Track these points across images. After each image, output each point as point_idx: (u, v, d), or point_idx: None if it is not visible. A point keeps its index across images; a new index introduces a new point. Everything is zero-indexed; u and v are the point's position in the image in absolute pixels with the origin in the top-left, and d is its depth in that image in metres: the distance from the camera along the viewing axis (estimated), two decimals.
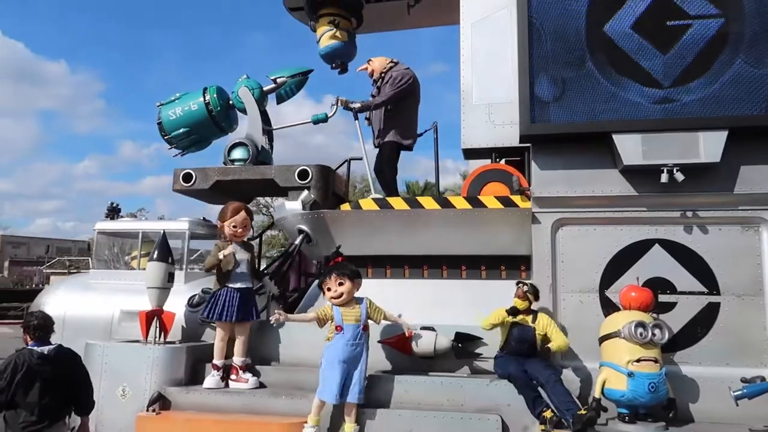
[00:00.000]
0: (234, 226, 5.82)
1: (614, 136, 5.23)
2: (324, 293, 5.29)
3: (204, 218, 7.52)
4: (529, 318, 5.21)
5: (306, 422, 4.95)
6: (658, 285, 5.36)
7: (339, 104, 7.35)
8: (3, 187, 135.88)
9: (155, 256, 6.09)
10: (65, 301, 7.00)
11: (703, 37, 5.21)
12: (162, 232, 6.32)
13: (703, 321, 5.26)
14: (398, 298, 5.95)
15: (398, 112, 7.05)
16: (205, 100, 7.44)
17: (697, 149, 5.08)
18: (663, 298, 5.35)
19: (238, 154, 7.29)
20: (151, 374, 5.67)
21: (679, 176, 5.09)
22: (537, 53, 5.51)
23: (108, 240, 7.53)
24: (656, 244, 5.43)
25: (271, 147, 7.79)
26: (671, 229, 5.41)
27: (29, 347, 4.32)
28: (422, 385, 5.22)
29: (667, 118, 5.18)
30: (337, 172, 7.53)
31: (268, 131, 7.74)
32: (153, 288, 6.07)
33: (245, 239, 6.04)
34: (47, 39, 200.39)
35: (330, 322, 5.13)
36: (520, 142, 5.70)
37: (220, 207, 6.16)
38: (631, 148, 5.21)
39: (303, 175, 6.75)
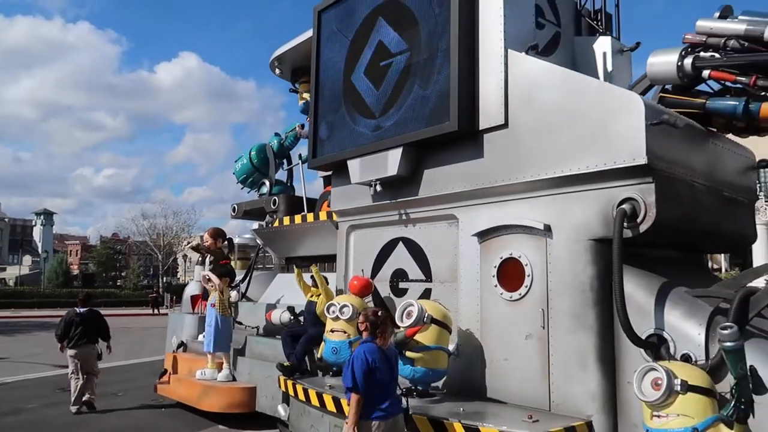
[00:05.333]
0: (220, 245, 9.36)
1: (348, 162, 6.82)
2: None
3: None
4: (318, 297, 7.23)
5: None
6: (399, 275, 6.65)
7: None
8: (203, 194, 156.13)
9: (198, 262, 10.18)
10: (196, 288, 11.75)
11: (398, 71, 6.35)
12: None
13: None
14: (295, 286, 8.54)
15: None
16: (250, 156, 11.20)
17: (386, 165, 6.29)
18: (402, 285, 6.61)
19: (263, 189, 10.83)
20: (182, 331, 9.74)
21: (378, 188, 6.40)
22: (321, 104, 7.43)
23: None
24: (400, 242, 6.68)
25: (291, 180, 11.04)
26: (408, 229, 6.59)
27: (75, 309, 8.83)
28: (262, 343, 7.82)
29: (373, 143, 6.50)
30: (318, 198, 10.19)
31: (288, 170, 11.04)
32: (196, 282, 10.18)
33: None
34: (239, 62, 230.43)
35: None
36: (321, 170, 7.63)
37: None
38: (355, 170, 6.72)
39: (274, 203, 9.84)
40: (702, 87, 5.36)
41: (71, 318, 8.71)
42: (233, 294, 9.32)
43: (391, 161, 6.25)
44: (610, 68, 6.62)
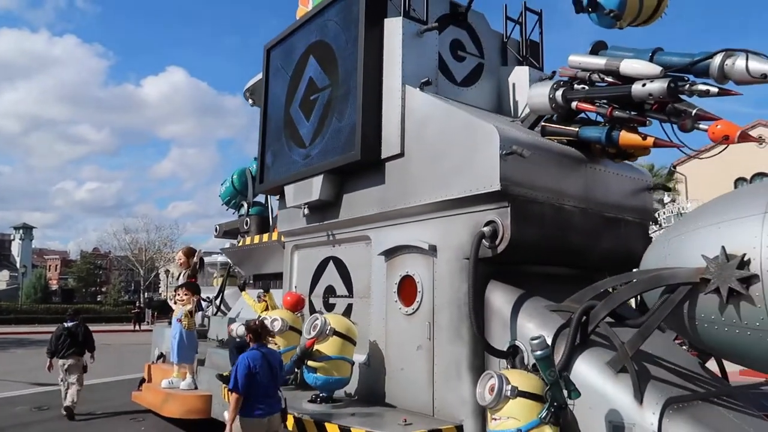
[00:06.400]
0: (193, 261, 10.12)
1: (285, 188, 7.45)
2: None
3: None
4: (265, 312, 7.84)
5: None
6: (329, 291, 7.20)
7: None
8: (187, 209, 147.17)
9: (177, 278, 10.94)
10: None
11: (322, 104, 6.96)
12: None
13: (348, 318, 6.82)
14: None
15: None
16: (232, 180, 11.99)
17: (310, 190, 6.89)
18: (332, 300, 7.16)
19: (241, 210, 11.58)
20: (163, 343, 10.47)
21: (306, 211, 7.00)
22: (268, 134, 8.10)
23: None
24: (331, 261, 7.24)
25: (267, 202, 11.75)
26: (336, 249, 7.15)
27: (64, 323, 9.68)
28: (220, 355, 8.44)
29: (303, 170, 7.11)
30: None
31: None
32: None
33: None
34: (227, 77, 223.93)
35: None
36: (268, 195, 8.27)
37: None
38: (290, 194, 7.34)
39: (246, 224, 10.55)
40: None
41: (60, 332, 9.58)
42: (198, 315, 10.04)
43: (315, 187, 6.85)
44: (525, 97, 7.07)
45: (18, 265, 69.05)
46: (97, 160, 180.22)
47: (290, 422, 5.39)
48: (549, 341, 4.69)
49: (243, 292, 8.11)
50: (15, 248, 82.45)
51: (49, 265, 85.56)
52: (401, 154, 5.97)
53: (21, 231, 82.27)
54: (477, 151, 5.13)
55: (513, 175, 4.96)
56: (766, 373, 4.09)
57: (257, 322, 5.25)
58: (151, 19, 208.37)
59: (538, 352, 4.01)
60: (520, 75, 7.20)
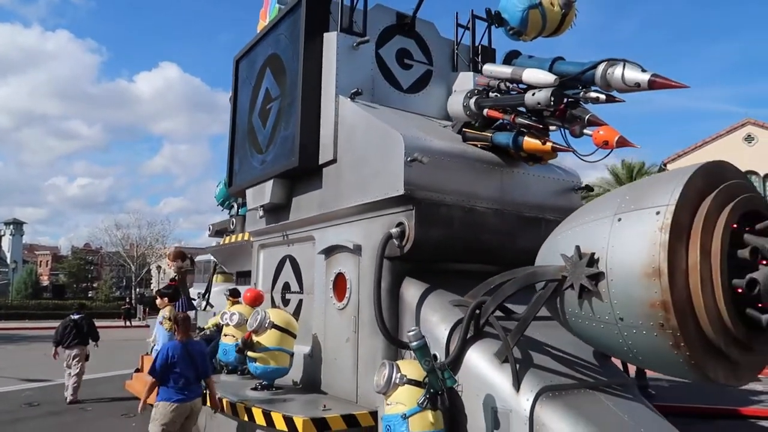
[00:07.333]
0: (180, 264, 10.79)
1: (246, 191, 7.98)
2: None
3: None
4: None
5: None
6: (286, 287, 7.70)
7: None
8: (179, 205, 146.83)
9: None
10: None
11: (275, 113, 7.45)
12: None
13: (298, 312, 7.33)
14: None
15: None
16: (225, 181, 12.61)
17: (264, 194, 7.40)
18: (288, 296, 7.66)
19: (232, 211, 12.20)
20: (159, 336, 11.18)
21: (261, 212, 7.51)
22: (236, 140, 8.65)
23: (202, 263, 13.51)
24: (287, 259, 7.74)
25: None
26: (291, 248, 7.64)
27: (71, 315, 10.49)
28: None
29: (258, 175, 7.62)
30: None
31: None
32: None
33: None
34: (220, 73, 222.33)
35: None
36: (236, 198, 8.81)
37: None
38: (249, 197, 7.86)
39: (232, 223, 11.16)
40: None
41: (67, 323, 10.46)
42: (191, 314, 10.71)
43: (267, 190, 7.35)
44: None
45: (8, 261, 68.40)
46: (88, 155, 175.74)
47: (227, 406, 5.93)
48: (446, 334, 5.10)
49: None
50: (5, 244, 79.36)
51: (40, 261, 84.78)
52: (334, 160, 6.41)
53: (11, 226, 79.13)
54: (388, 157, 5.53)
55: (418, 180, 5.34)
56: (629, 362, 4.37)
57: (183, 316, 5.79)
58: (143, 15, 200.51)
59: (414, 343, 4.41)
60: (464, 80, 7.52)
